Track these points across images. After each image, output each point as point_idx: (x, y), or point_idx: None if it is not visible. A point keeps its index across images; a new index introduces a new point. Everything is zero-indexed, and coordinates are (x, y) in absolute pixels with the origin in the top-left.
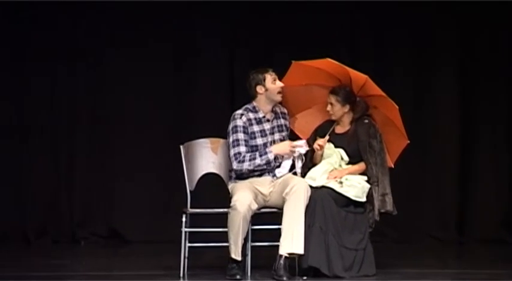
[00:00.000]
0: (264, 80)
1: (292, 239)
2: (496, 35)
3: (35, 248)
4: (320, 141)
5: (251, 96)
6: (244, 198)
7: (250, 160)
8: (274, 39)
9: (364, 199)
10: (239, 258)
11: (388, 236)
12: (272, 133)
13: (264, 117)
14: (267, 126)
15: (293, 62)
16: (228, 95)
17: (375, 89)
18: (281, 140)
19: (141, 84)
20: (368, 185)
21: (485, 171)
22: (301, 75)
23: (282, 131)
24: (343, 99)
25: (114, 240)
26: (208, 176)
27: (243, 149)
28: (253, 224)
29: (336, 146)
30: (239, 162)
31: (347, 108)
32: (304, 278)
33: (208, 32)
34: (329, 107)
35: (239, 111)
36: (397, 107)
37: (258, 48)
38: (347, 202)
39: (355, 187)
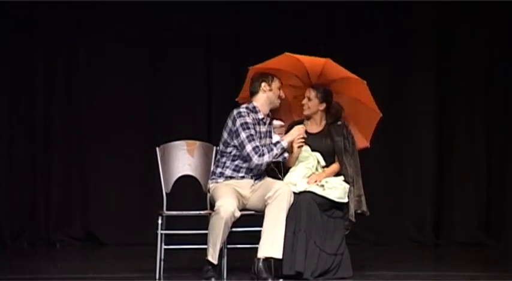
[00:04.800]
0: (272, 81)
1: (272, 243)
2: (473, 35)
3: (11, 251)
4: (300, 127)
5: (252, 93)
6: (229, 204)
7: (268, 152)
8: (250, 39)
9: (346, 200)
10: (216, 262)
11: (365, 239)
12: (265, 137)
13: (262, 119)
14: (263, 128)
15: (249, 68)
16: (204, 97)
17: (335, 71)
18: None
19: (117, 87)
20: (348, 185)
21: (463, 173)
22: None
23: (271, 137)
24: (322, 97)
25: (90, 242)
26: (185, 178)
27: (258, 143)
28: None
29: (312, 149)
30: (260, 156)
31: (323, 106)
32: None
33: (183, 34)
34: (305, 101)
35: (243, 109)
36: (364, 81)
37: (234, 50)
38: (330, 205)
39: (337, 189)
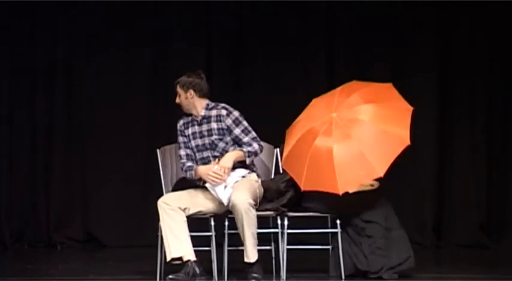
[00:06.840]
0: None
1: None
2: (473, 35)
3: (11, 253)
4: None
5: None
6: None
7: (185, 171)
8: (250, 40)
9: None
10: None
11: None
12: (194, 138)
13: (191, 121)
14: (192, 130)
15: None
16: None
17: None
18: (210, 144)
19: (117, 88)
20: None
21: (464, 174)
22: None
23: (211, 135)
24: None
25: (91, 244)
26: (185, 180)
27: (182, 152)
28: (229, 229)
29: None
30: (181, 168)
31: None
32: None
33: (184, 35)
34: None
35: (179, 120)
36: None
37: (234, 50)
38: None
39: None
